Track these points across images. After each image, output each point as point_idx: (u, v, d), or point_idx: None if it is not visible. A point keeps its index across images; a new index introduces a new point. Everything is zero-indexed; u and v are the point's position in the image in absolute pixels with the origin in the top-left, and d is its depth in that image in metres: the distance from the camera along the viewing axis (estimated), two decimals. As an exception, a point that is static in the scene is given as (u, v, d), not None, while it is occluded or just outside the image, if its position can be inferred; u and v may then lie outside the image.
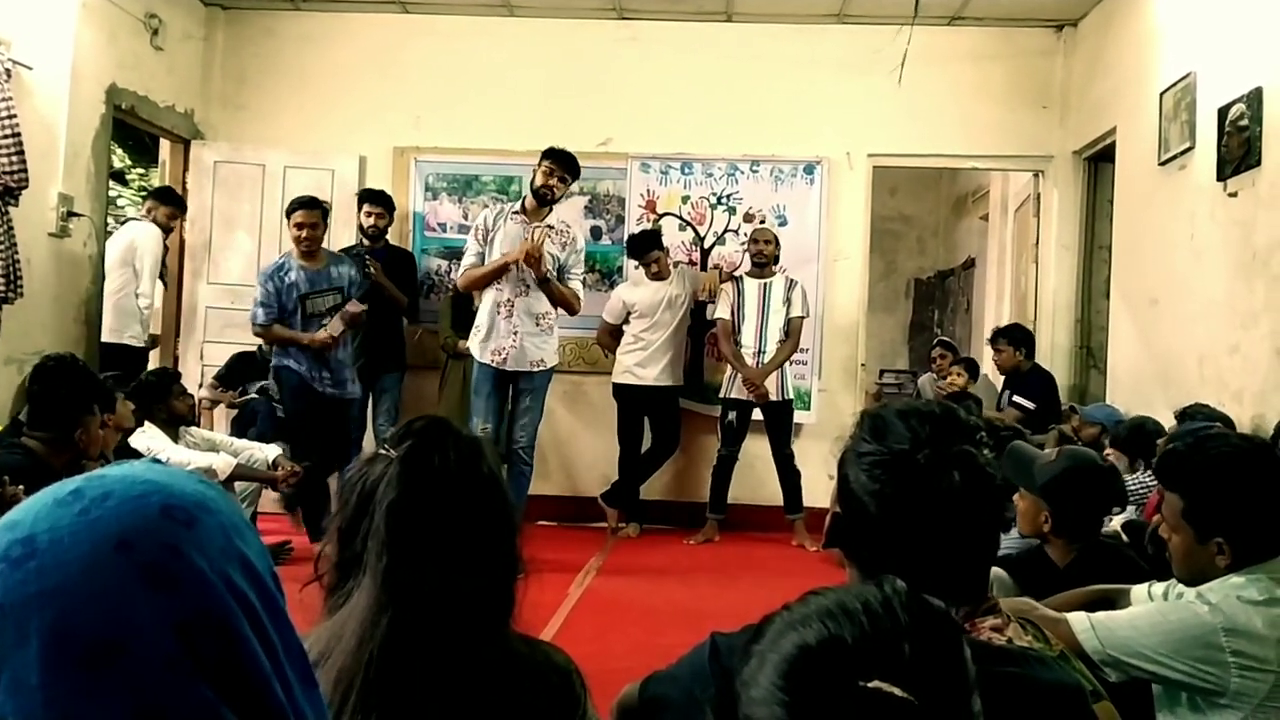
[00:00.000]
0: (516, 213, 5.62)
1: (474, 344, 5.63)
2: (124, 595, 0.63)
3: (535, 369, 5.58)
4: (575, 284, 5.69)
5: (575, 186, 6.29)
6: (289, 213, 5.72)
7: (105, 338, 6.05)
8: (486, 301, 5.58)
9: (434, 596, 1.34)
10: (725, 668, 1.26)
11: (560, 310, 5.66)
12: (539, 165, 5.59)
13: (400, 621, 1.33)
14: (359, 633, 1.32)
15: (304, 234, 5.61)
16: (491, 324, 5.52)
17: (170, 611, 0.63)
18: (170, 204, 6.34)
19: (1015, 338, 6.42)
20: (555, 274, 5.57)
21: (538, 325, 5.54)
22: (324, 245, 5.85)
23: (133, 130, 7.18)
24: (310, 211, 5.63)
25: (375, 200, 6.46)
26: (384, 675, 1.30)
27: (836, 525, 1.37)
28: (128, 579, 0.63)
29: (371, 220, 6.40)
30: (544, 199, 5.58)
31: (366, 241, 6.42)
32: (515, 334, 5.49)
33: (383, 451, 1.44)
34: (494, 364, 5.52)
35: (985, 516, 1.31)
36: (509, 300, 5.49)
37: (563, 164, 5.56)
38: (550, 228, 5.59)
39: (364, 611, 1.34)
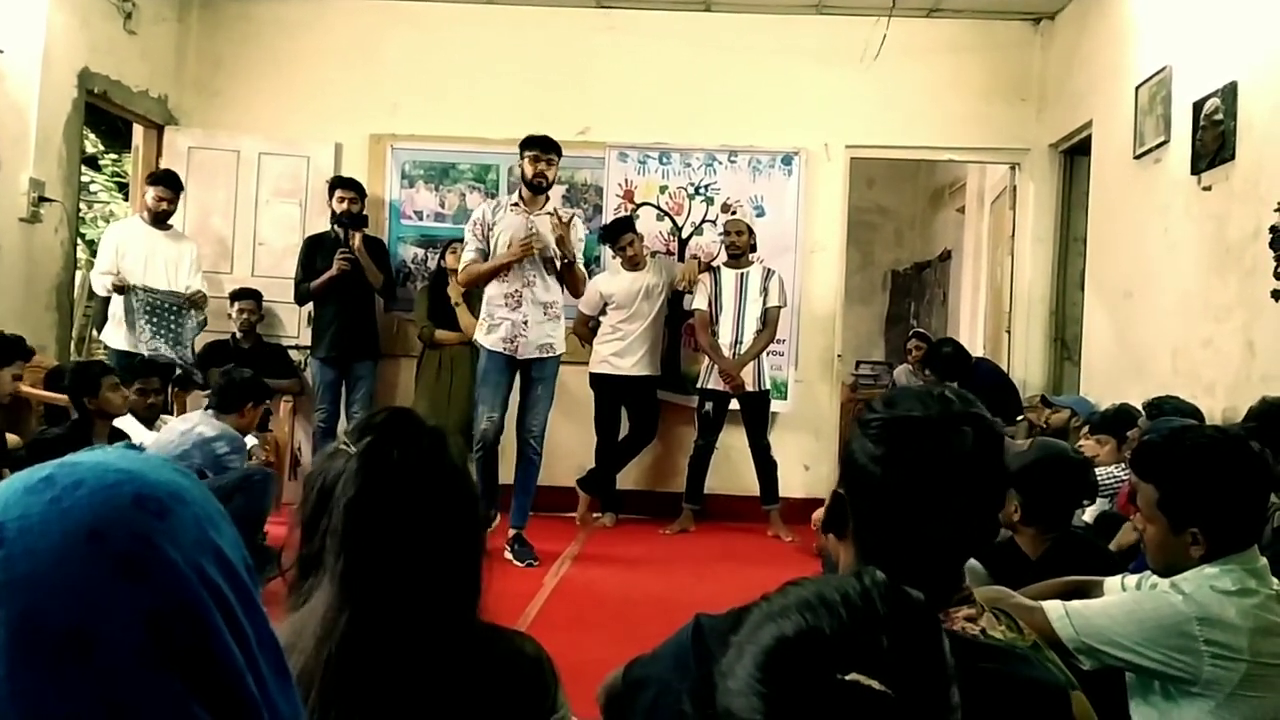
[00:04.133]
0: (515, 204, 5.50)
1: (481, 334, 5.54)
2: (95, 586, 0.62)
3: (546, 355, 5.50)
4: (578, 266, 5.61)
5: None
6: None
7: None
8: (493, 293, 5.49)
9: (393, 594, 1.33)
10: (708, 649, 1.26)
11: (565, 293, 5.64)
12: (522, 159, 5.48)
13: (358, 620, 1.31)
14: (318, 632, 1.31)
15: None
16: (501, 315, 5.44)
17: (142, 603, 0.62)
18: (155, 185, 6.06)
19: (939, 368, 6.53)
20: (564, 259, 5.48)
21: (545, 314, 5.46)
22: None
23: (106, 115, 7.10)
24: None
25: (347, 185, 6.43)
26: (343, 674, 1.29)
27: (837, 505, 1.31)
28: (99, 569, 0.62)
29: (345, 205, 6.37)
30: (539, 188, 5.46)
31: (339, 229, 6.38)
32: (525, 322, 5.42)
33: (342, 446, 1.41)
34: (505, 351, 5.44)
35: (993, 485, 1.26)
36: (516, 291, 5.41)
37: (543, 148, 5.43)
38: (551, 213, 5.47)
39: (323, 610, 1.32)
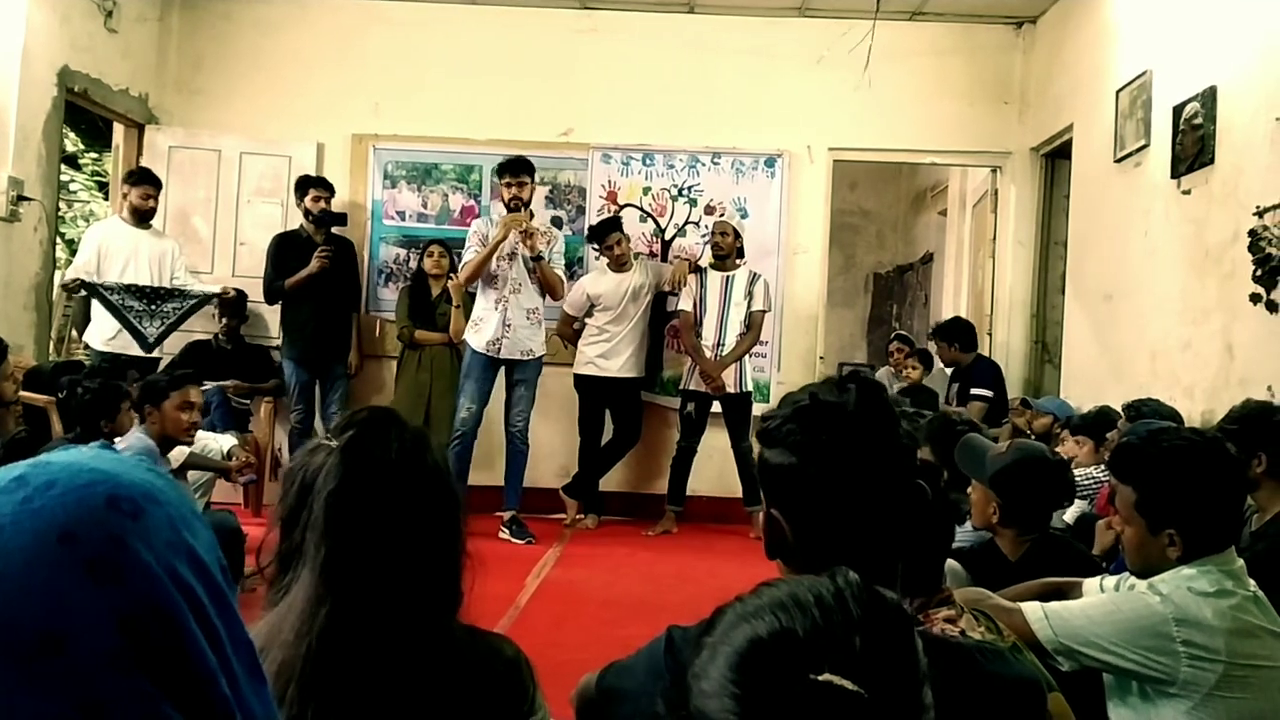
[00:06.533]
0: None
1: (470, 335, 6.03)
2: (66, 588, 0.61)
3: (526, 357, 6.01)
4: (558, 270, 6.11)
5: (536, 177, 6.35)
6: None
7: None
8: (484, 299, 6.00)
9: (373, 588, 1.33)
10: (680, 662, 1.26)
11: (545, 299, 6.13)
12: (500, 184, 6.01)
13: (338, 613, 1.31)
14: (297, 625, 1.31)
15: None
16: (488, 318, 5.97)
17: (113, 605, 0.62)
18: (139, 184, 6.04)
19: (947, 335, 6.49)
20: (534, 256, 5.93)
21: (528, 319, 6.00)
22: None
23: (86, 114, 7.06)
24: None
25: (321, 185, 6.42)
26: (323, 667, 1.29)
27: (771, 526, 1.34)
28: (70, 571, 0.61)
29: (321, 205, 6.34)
30: (518, 209, 5.89)
31: (310, 226, 6.36)
32: (509, 326, 5.93)
33: (324, 441, 1.42)
34: (488, 352, 5.95)
35: (890, 430, 1.30)
36: (504, 297, 5.94)
37: (514, 171, 5.92)
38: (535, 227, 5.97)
39: (302, 603, 1.32)
